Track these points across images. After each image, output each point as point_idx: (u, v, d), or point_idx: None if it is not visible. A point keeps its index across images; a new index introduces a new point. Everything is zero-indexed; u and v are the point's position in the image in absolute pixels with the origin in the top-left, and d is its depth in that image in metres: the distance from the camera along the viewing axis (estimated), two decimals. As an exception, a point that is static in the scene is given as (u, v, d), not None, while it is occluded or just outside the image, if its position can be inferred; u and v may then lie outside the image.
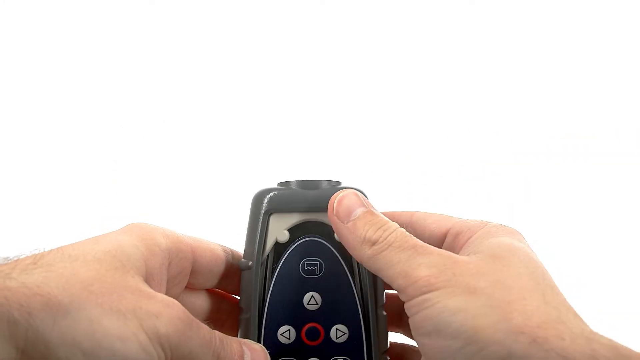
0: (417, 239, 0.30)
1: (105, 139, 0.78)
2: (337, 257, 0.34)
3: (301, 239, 0.34)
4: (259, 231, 0.33)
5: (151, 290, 0.28)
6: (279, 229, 0.34)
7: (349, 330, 0.33)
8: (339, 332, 0.33)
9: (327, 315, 0.33)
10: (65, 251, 0.28)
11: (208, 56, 0.80)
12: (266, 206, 0.34)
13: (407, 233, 0.30)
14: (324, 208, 0.32)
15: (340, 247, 0.33)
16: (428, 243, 0.30)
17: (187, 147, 0.78)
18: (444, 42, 0.80)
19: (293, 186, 0.35)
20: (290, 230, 0.34)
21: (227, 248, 0.36)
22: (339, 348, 0.32)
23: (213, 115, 0.79)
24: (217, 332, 0.29)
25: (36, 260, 0.27)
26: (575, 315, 0.27)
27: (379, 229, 0.30)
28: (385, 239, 0.29)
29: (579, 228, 0.73)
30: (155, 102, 0.79)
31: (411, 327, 0.28)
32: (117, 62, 0.79)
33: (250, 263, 0.33)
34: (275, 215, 0.34)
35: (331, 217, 0.31)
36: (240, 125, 0.78)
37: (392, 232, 0.30)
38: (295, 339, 0.32)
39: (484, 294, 0.26)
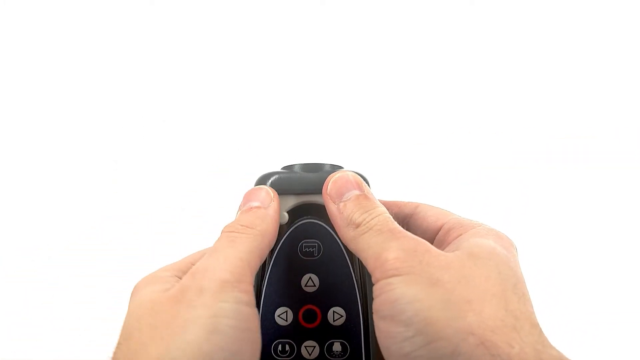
0: (398, 225, 0.30)
1: (105, 138, 0.78)
2: (336, 239, 0.33)
3: (300, 221, 0.33)
4: None
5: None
6: None
7: (346, 313, 0.32)
8: (336, 315, 0.32)
9: (324, 298, 0.32)
10: None
11: (206, 49, 0.80)
12: None
13: (391, 218, 0.30)
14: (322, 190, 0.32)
15: None
16: (423, 236, 0.30)
17: (188, 144, 0.78)
18: (444, 42, 0.80)
19: (295, 169, 0.35)
20: (289, 212, 0.34)
21: None
22: (336, 331, 0.32)
23: (215, 111, 0.79)
24: None
25: None
26: (534, 326, 0.27)
27: (365, 212, 0.30)
28: (367, 222, 0.29)
29: (578, 230, 0.73)
30: (154, 101, 0.79)
31: (372, 309, 0.28)
32: (115, 62, 0.79)
33: None
34: None
35: (324, 195, 0.31)
36: (244, 121, 0.78)
37: (377, 216, 0.30)
38: (292, 321, 0.32)
39: (445, 288, 0.26)
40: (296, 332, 0.32)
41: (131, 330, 0.27)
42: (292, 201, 0.34)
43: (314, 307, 0.32)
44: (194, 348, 0.25)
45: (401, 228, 0.30)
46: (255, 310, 0.28)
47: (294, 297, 0.32)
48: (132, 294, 0.30)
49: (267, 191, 0.32)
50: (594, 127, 0.77)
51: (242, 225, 0.30)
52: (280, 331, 0.32)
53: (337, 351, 0.32)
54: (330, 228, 0.33)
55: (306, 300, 0.32)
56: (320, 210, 0.33)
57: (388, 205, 0.34)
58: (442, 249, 0.30)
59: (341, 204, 0.31)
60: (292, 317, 0.32)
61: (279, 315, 0.32)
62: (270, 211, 0.31)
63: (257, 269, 0.29)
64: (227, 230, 0.30)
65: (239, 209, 0.32)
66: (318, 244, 0.33)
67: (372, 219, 0.30)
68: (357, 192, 0.31)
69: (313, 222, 0.34)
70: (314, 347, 0.32)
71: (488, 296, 0.26)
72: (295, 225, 0.33)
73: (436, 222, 0.34)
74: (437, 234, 0.34)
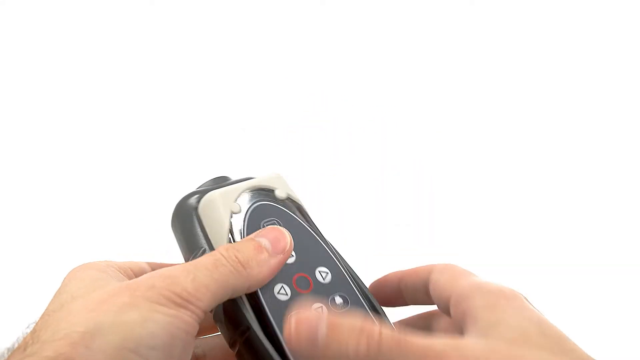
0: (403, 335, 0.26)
1: (100, 138, 0.78)
2: (288, 213, 0.36)
3: (252, 205, 0.36)
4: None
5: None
6: (227, 205, 0.35)
7: (329, 269, 0.35)
8: (323, 274, 0.35)
9: (305, 263, 0.35)
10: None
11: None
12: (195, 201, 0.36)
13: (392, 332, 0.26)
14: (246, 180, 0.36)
15: (285, 204, 0.36)
16: (440, 304, 0.31)
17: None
18: (443, 42, 0.80)
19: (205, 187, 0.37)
20: (236, 202, 0.35)
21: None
22: (329, 287, 0.34)
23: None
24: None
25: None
26: None
27: (363, 336, 0.25)
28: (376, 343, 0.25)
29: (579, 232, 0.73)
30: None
31: None
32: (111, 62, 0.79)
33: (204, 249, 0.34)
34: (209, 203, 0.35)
35: (295, 345, 0.26)
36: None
37: (380, 337, 0.26)
38: (291, 293, 0.33)
39: None
40: (300, 300, 0.33)
41: (62, 303, 0.27)
42: (233, 194, 0.36)
43: (303, 274, 0.34)
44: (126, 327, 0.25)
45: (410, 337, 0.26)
46: (197, 325, 0.28)
47: (281, 271, 0.33)
48: (70, 275, 0.30)
49: (288, 242, 0.33)
50: (593, 127, 0.77)
51: (236, 259, 0.30)
52: (287, 305, 0.33)
53: (340, 303, 0.34)
54: (278, 204, 0.36)
55: (292, 270, 0.34)
56: (263, 192, 0.36)
57: (405, 275, 0.35)
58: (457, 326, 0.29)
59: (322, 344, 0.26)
60: (289, 289, 0.33)
61: (278, 292, 0.33)
62: (273, 262, 0.32)
63: (222, 301, 0.30)
64: (222, 254, 0.30)
65: (255, 234, 0.33)
66: (277, 221, 0.35)
67: (378, 341, 0.25)
68: (324, 323, 0.26)
69: (263, 203, 0.36)
70: (321, 307, 0.33)
71: None
72: (249, 209, 0.35)
73: (444, 294, 0.31)
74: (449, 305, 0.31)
